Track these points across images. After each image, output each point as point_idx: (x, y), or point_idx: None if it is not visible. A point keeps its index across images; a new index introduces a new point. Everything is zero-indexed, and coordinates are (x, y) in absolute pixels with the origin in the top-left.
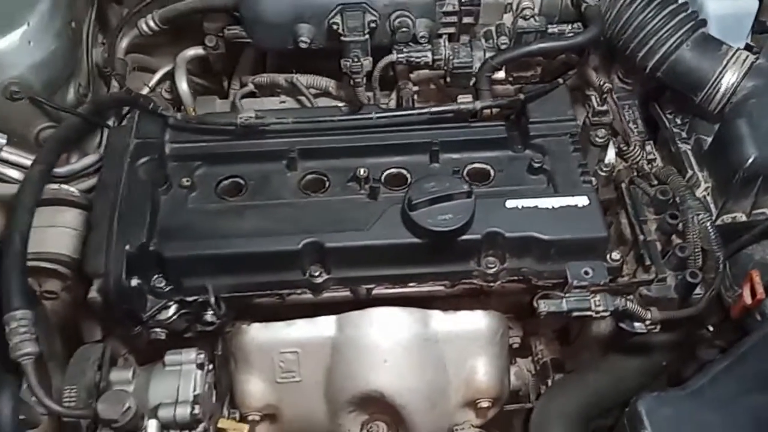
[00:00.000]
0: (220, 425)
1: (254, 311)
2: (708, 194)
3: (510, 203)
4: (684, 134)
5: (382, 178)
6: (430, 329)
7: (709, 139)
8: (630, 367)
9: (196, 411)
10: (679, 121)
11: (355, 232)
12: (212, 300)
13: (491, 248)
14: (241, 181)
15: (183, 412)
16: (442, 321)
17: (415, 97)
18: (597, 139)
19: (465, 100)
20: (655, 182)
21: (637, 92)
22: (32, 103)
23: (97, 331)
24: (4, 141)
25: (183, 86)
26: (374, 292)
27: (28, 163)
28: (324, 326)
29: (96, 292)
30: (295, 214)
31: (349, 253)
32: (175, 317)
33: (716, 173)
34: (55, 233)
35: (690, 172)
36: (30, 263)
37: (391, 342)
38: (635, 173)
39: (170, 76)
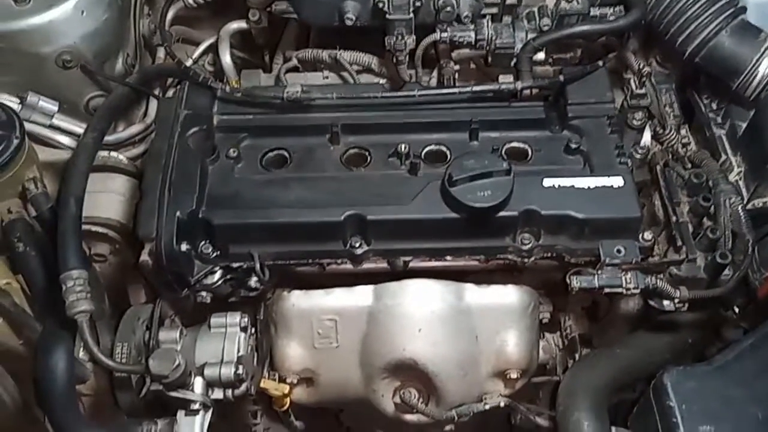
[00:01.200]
0: (262, 385)
1: (295, 279)
2: (740, 179)
3: (547, 182)
4: (719, 119)
5: (423, 154)
6: (464, 301)
7: (744, 125)
8: (657, 344)
9: (240, 371)
10: (714, 107)
11: (395, 206)
12: (257, 267)
13: (527, 225)
14: (286, 154)
15: (227, 371)
16: (475, 294)
17: (456, 76)
18: (634, 121)
19: (506, 80)
20: (689, 166)
21: (674, 77)
22: (83, 72)
23: (142, 294)
24: (56, 108)
25: (226, 59)
26: (410, 264)
27: (79, 130)
28: (361, 295)
29: (147, 255)
30: (338, 187)
31: (389, 226)
32: (220, 282)
33: (749, 158)
34: (106, 199)
35: (723, 157)
36: (86, 227)
37: (425, 312)
38: (670, 156)
39: (213, 48)
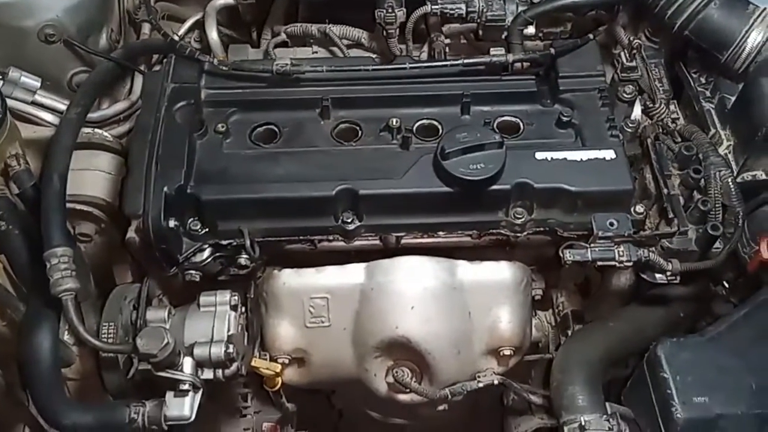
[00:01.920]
0: (253, 364)
1: (286, 258)
2: (730, 152)
3: (539, 155)
4: (708, 93)
5: (414, 128)
6: (456, 278)
7: (733, 98)
8: (650, 318)
9: (230, 350)
10: (703, 81)
11: (387, 180)
12: (247, 243)
13: (520, 199)
14: (275, 129)
15: (217, 351)
16: (467, 270)
17: (447, 50)
18: (624, 95)
19: (497, 53)
20: (679, 139)
21: (663, 51)
22: (67, 47)
23: (128, 274)
24: (38, 84)
25: (213, 35)
26: (402, 241)
27: (61, 107)
28: (353, 273)
29: (134, 232)
30: (329, 162)
31: (382, 200)
32: (209, 260)
33: (738, 131)
34: (90, 176)
35: (713, 131)
36: (71, 205)
37: (418, 289)
38: (660, 130)
39: (199, 25)
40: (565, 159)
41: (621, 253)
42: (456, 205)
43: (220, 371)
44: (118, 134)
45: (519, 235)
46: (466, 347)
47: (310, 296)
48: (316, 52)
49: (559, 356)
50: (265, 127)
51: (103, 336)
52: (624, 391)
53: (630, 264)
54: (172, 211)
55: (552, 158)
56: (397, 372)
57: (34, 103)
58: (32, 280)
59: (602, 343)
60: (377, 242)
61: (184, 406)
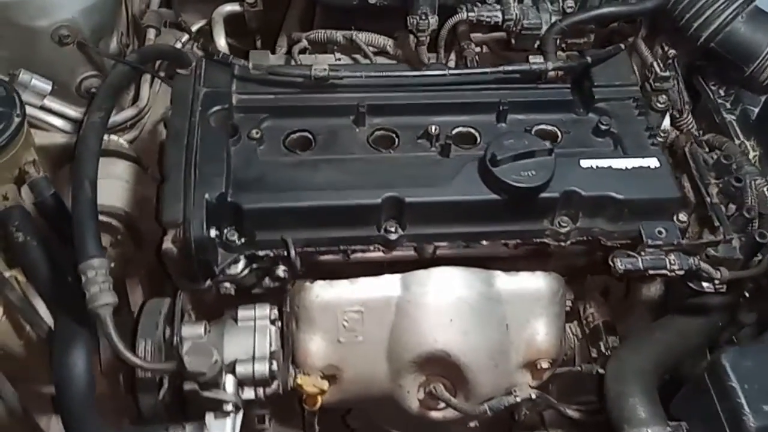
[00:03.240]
0: (299, 381)
1: (315, 269)
2: (756, 162)
3: (584, 163)
4: (728, 105)
5: (451, 136)
6: (494, 289)
7: (756, 110)
8: (692, 327)
9: (274, 367)
10: (722, 93)
11: (433, 187)
12: (293, 254)
13: (566, 207)
14: (310, 136)
15: (261, 368)
16: (505, 281)
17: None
18: (658, 104)
19: (537, 61)
20: (707, 149)
21: (680, 64)
22: (79, 49)
23: (139, 288)
24: (49, 88)
25: (221, 42)
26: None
27: (71, 112)
28: (388, 285)
29: (170, 243)
30: (369, 169)
31: (428, 208)
32: (246, 272)
33: (764, 142)
34: (108, 185)
35: (737, 141)
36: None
37: (456, 301)
38: (693, 140)
39: (202, 33)
40: (610, 167)
41: (672, 262)
42: (502, 213)
43: (261, 390)
44: (127, 141)
45: (563, 244)
46: (503, 360)
47: (344, 309)
48: (339, 59)
49: (613, 367)
50: (299, 134)
51: (139, 353)
52: (673, 404)
53: (681, 272)
54: (212, 219)
55: (597, 166)
56: (435, 388)
57: (42, 108)
58: (57, 295)
59: (653, 353)
60: (411, 252)
61: (226, 429)
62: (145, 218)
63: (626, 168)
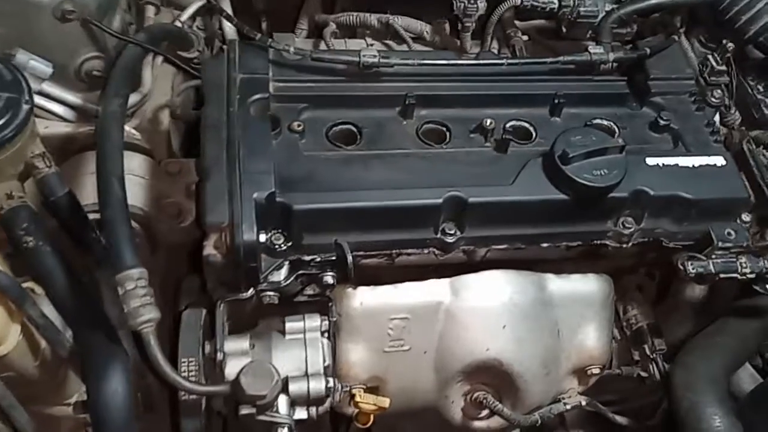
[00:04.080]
0: (358, 399)
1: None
2: None
3: (650, 161)
4: None
5: (504, 130)
6: (546, 293)
7: None
8: (749, 330)
9: (331, 384)
10: (761, 88)
11: (497, 187)
12: (350, 260)
13: (633, 207)
14: (354, 128)
15: (317, 385)
16: (557, 284)
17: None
18: (713, 99)
19: (597, 51)
20: (754, 146)
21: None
22: (83, 27)
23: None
24: (50, 70)
25: (227, 23)
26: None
27: (70, 98)
28: (436, 290)
29: (213, 248)
30: (426, 167)
31: (491, 209)
32: (291, 279)
33: None
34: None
35: None
36: (96, 215)
37: (509, 306)
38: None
39: (203, 12)
40: (677, 165)
41: (744, 265)
42: (567, 214)
43: (314, 409)
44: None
45: (624, 246)
46: (554, 368)
47: (390, 317)
48: (372, 45)
49: (683, 376)
50: (342, 126)
51: (183, 374)
52: (742, 408)
53: (752, 276)
54: (260, 222)
55: (663, 164)
56: (486, 398)
57: (40, 93)
58: (79, 309)
59: (721, 359)
60: (460, 255)
61: None
62: (161, 219)
63: (693, 166)
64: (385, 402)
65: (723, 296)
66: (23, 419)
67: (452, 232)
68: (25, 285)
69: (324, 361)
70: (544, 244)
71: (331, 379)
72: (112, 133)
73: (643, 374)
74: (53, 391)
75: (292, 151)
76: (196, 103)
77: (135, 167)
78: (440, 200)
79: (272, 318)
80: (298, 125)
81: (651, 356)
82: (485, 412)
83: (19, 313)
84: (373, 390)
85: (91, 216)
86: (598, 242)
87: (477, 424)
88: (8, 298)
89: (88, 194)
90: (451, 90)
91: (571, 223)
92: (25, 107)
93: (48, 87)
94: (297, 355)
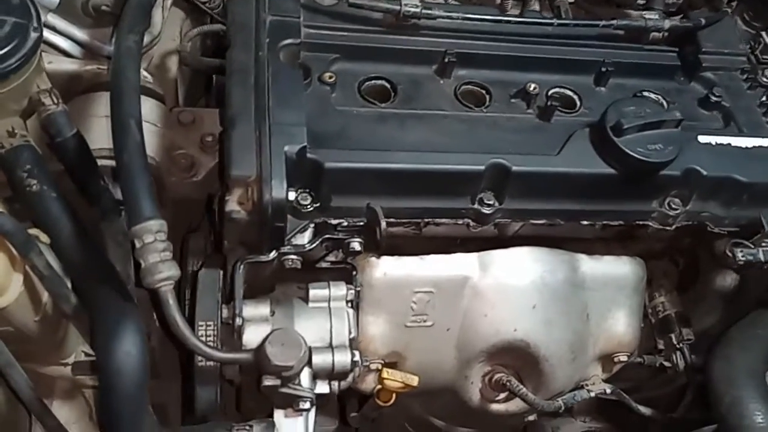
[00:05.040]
0: (385, 376)
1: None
2: None
3: (703, 138)
4: None
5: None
6: (578, 274)
7: None
8: None
9: (357, 357)
10: None
11: (542, 156)
12: (383, 225)
13: (682, 187)
14: (388, 85)
15: (343, 358)
16: (590, 266)
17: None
18: (764, 78)
19: (652, 17)
20: None
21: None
22: None
23: None
24: (56, 1)
25: None
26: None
27: (77, 33)
28: (464, 264)
29: (236, 203)
30: (465, 130)
31: (534, 180)
32: (317, 243)
33: None
34: None
35: None
36: (103, 162)
37: (540, 286)
38: None
39: None
40: (730, 145)
41: None
42: (612, 190)
43: (336, 383)
44: None
45: (668, 228)
46: (581, 353)
47: (414, 290)
48: None
49: (723, 369)
50: (376, 81)
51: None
52: None
53: None
54: (289, 179)
55: (716, 143)
56: (510, 382)
57: (45, 26)
58: (86, 262)
59: (759, 352)
60: (491, 229)
61: (299, 428)
62: (172, 171)
63: (746, 147)
64: (414, 380)
65: (756, 286)
66: (21, 379)
67: (491, 202)
68: (29, 231)
69: (349, 332)
70: (584, 222)
71: (356, 353)
72: (128, 73)
73: (667, 364)
74: (51, 349)
75: (323, 105)
76: (209, 50)
77: (146, 112)
78: (482, 167)
79: (290, 283)
80: (330, 77)
81: (677, 346)
82: (503, 395)
83: (22, 262)
84: (391, 366)
85: (106, 163)
86: (641, 223)
87: (495, 406)
88: (11, 245)
89: (94, 139)
90: (493, 50)
91: (615, 200)
92: (34, 35)
93: (53, 19)
94: (321, 325)
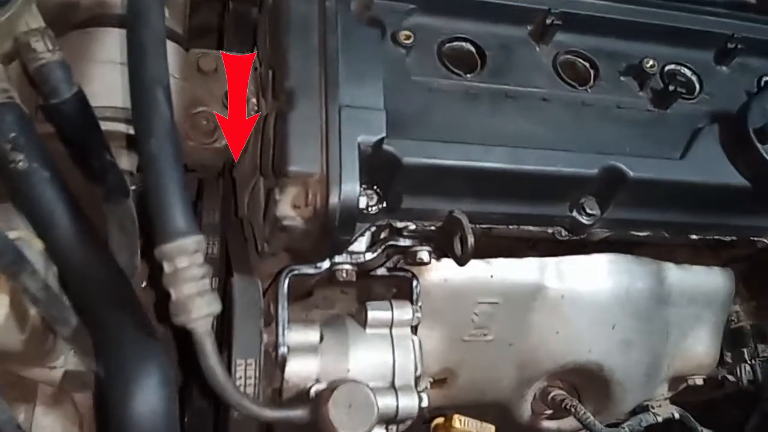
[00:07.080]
0: (457, 426)
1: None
2: None
3: None
4: None
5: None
6: (665, 287)
7: None
8: None
9: (425, 403)
10: None
11: (666, 160)
12: (468, 234)
13: None
14: (473, 49)
15: (409, 403)
16: (677, 276)
17: None
18: None
19: None
20: None
21: None
22: None
23: None
24: None
25: None
26: None
27: None
28: (538, 272)
29: (290, 207)
30: (569, 120)
31: (652, 189)
32: (379, 251)
33: None
34: None
35: None
36: (106, 126)
37: (623, 301)
38: None
39: None
40: None
41: None
42: (739, 203)
43: (394, 427)
44: None
45: None
46: (654, 375)
47: (477, 300)
48: None
49: None
50: (459, 43)
51: (239, 383)
52: None
53: None
54: (363, 176)
55: None
56: (575, 407)
57: None
58: (92, 277)
59: None
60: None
61: None
62: (191, 133)
63: None
64: (491, 429)
65: None
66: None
67: (593, 212)
68: (14, 235)
69: (415, 369)
70: (693, 236)
71: (425, 396)
72: (152, 16)
73: (731, 378)
74: (37, 358)
75: (397, 74)
76: None
77: (171, 64)
78: (594, 171)
79: (334, 287)
80: (407, 37)
81: (750, 361)
82: (551, 410)
83: (7, 283)
84: (440, 383)
85: (108, 127)
86: (755, 239)
87: (547, 423)
88: None
89: (95, 94)
90: (603, 11)
91: (735, 214)
92: None
93: None
94: (382, 359)
